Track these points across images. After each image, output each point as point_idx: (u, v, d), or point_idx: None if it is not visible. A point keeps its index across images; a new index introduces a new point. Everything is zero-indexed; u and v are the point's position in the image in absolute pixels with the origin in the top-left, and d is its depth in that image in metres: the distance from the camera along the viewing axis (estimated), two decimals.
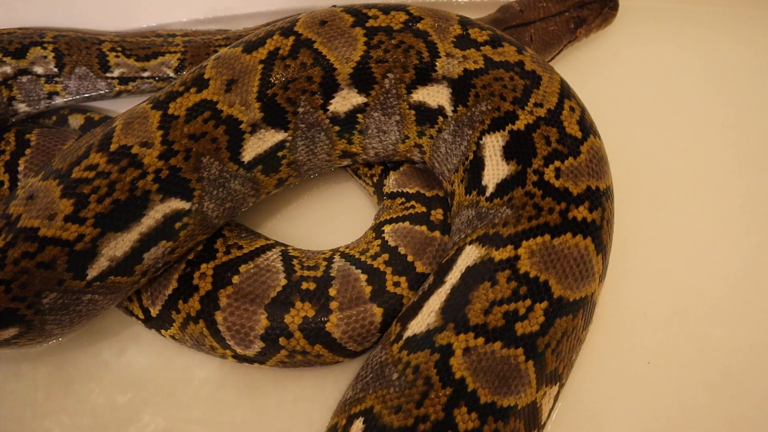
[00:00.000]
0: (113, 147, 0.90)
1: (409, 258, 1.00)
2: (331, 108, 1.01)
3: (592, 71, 1.33)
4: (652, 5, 1.36)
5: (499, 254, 0.86)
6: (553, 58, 1.29)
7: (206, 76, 0.97)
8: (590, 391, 1.03)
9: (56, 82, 1.26)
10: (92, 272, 0.91)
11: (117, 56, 1.29)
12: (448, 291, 0.86)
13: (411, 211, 1.07)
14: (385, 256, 1.01)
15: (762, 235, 1.16)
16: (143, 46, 1.32)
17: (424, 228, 1.04)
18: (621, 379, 1.04)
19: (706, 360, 1.05)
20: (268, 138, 0.99)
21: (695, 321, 1.09)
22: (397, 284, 0.98)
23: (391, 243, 1.02)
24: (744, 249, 1.15)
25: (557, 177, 0.90)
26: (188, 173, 0.93)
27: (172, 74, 1.31)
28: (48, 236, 0.86)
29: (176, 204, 0.94)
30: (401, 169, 1.14)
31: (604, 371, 1.04)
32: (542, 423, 0.87)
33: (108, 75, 1.30)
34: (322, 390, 1.04)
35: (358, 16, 1.02)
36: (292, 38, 0.99)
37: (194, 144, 0.93)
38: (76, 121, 1.31)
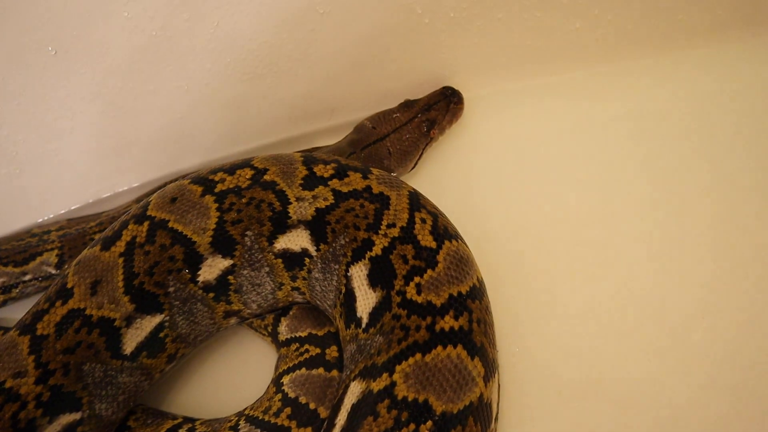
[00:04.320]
0: None
1: (311, 405, 1.11)
2: (200, 279, 1.14)
3: (459, 162, 1.51)
4: (495, 89, 1.59)
5: (377, 385, 0.96)
6: (416, 164, 1.47)
7: (69, 285, 1.08)
8: None
9: None
10: None
11: None
12: None
13: (306, 355, 1.19)
14: (288, 410, 1.11)
15: (662, 284, 1.33)
16: (19, 251, 1.45)
17: (321, 370, 1.16)
18: None
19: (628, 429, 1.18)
20: (146, 325, 1.11)
21: (611, 391, 1.22)
22: None
23: (291, 394, 1.13)
24: (647, 304, 1.31)
25: (419, 293, 1.03)
26: (71, 386, 1.03)
27: (53, 271, 1.43)
28: None
29: (66, 419, 1.04)
30: (291, 313, 1.27)
31: None
32: None
33: None
34: None
35: (206, 183, 1.16)
36: (146, 223, 1.12)
37: (71, 357, 1.04)
38: None
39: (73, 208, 1.55)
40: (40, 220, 1.54)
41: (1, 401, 0.99)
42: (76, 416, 1.05)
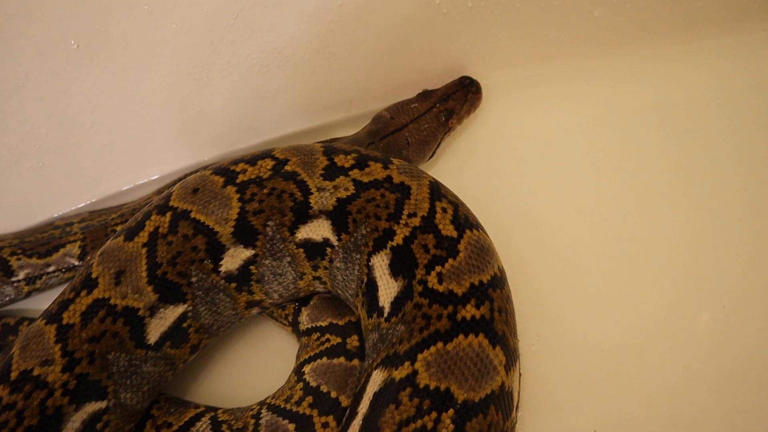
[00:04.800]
0: (14, 375, 1.01)
1: (333, 394, 1.13)
2: (222, 269, 1.16)
3: (477, 151, 1.52)
4: (513, 79, 1.59)
5: (399, 373, 0.98)
6: (434, 154, 1.48)
7: (94, 275, 1.10)
8: None
9: None
10: None
11: (18, 259, 1.44)
12: (360, 422, 0.97)
13: (327, 345, 1.21)
14: (310, 399, 1.13)
15: (687, 274, 1.33)
16: (42, 242, 1.47)
17: (342, 359, 1.17)
18: None
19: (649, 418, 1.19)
20: (169, 315, 1.13)
21: (632, 381, 1.22)
22: (325, 425, 1.10)
23: (313, 383, 1.15)
24: (671, 294, 1.31)
25: (440, 282, 1.04)
26: (97, 374, 1.06)
27: (76, 263, 1.46)
28: None
29: (92, 407, 1.06)
30: (312, 303, 1.28)
31: None
32: None
33: (14, 279, 1.44)
34: None
35: (227, 174, 1.17)
36: (169, 214, 1.14)
37: (96, 346, 1.06)
38: None
39: (94, 200, 1.57)
40: (63, 212, 1.56)
41: (29, 389, 1.01)
42: (101, 405, 1.07)
